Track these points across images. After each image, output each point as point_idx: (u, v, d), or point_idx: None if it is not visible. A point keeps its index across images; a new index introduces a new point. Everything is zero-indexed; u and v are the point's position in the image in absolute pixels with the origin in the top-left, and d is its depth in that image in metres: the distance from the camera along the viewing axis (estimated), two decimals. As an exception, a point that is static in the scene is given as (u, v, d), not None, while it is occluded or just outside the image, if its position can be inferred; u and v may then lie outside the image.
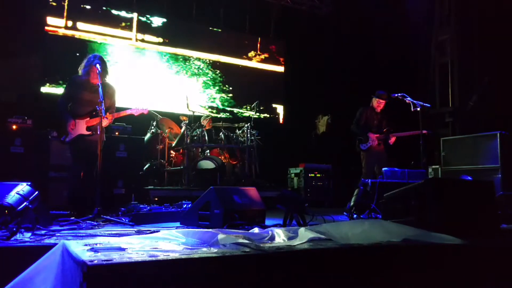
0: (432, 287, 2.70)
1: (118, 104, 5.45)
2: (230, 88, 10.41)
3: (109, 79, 5.19)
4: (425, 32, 10.14)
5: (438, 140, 7.71)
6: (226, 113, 10.26)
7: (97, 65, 4.81)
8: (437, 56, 10.09)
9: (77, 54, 8.43)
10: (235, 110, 10.42)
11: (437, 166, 7.67)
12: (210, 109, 10.00)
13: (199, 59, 10.04)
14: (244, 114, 10.38)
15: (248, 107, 10.32)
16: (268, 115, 10.79)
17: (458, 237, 2.96)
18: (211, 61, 10.19)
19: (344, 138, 9.57)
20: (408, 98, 6.53)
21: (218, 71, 10.27)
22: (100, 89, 4.65)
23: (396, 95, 6.58)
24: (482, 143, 6.90)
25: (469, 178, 5.99)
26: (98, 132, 4.68)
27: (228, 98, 10.37)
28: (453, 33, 9.76)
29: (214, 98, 10.20)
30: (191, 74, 9.92)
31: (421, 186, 3.68)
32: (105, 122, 4.82)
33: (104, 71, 4.94)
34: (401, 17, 9.62)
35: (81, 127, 4.95)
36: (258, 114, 8.49)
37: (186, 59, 9.87)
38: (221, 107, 10.26)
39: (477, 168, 6.80)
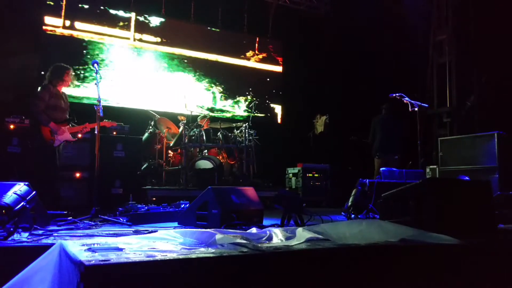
0: (430, 287, 2.71)
1: (118, 103, 5.50)
2: (228, 88, 10.41)
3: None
4: (423, 32, 10.16)
5: (436, 140, 7.72)
6: (224, 113, 10.26)
7: (95, 65, 4.95)
8: (435, 56, 10.11)
9: (75, 54, 8.47)
10: (233, 110, 10.42)
11: (435, 166, 7.68)
12: (207, 109, 10.00)
13: (197, 59, 10.03)
14: (242, 114, 10.39)
15: (246, 107, 10.34)
16: (266, 115, 10.79)
17: (455, 237, 2.96)
18: (209, 61, 10.18)
19: (342, 138, 9.61)
20: (406, 98, 6.54)
21: (216, 70, 10.27)
22: (98, 88, 4.82)
23: (394, 95, 6.59)
24: (479, 143, 6.91)
25: (467, 178, 6.00)
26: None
27: (226, 97, 10.37)
28: (450, 33, 9.78)
29: (212, 98, 10.20)
30: (188, 74, 9.92)
31: (419, 186, 3.68)
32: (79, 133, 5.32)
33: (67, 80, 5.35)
34: (399, 17, 9.64)
35: (66, 133, 5.22)
36: (256, 113, 8.49)
37: (184, 59, 9.86)
38: (218, 107, 10.26)
39: (474, 168, 6.81)
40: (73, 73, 5.46)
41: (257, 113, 8.97)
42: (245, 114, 10.32)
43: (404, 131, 7.52)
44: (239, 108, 10.49)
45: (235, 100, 10.48)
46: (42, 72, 7.96)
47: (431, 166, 7.85)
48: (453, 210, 3.51)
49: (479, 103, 9.03)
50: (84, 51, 8.62)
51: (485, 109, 8.82)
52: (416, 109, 6.46)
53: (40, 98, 5.14)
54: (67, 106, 5.42)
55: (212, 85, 10.22)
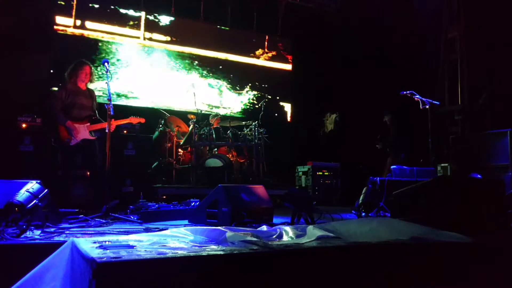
0: (441, 286, 2.69)
1: (128, 102, 5.54)
2: (237, 86, 10.42)
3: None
4: (434, 29, 10.06)
5: (448, 138, 7.66)
6: (233, 111, 10.27)
7: (106, 64, 4.95)
8: (446, 53, 10.00)
9: (86, 53, 8.52)
10: (242, 107, 10.43)
11: (446, 164, 7.62)
12: (217, 107, 10.01)
13: (206, 57, 10.04)
14: (251, 112, 10.38)
15: (255, 105, 10.33)
16: (275, 113, 10.77)
17: (467, 235, 2.94)
18: (218, 59, 10.19)
19: (352, 136, 9.56)
20: (417, 96, 6.49)
21: (226, 69, 10.28)
22: (108, 87, 4.82)
23: (404, 92, 6.54)
24: (492, 141, 6.83)
25: (479, 176, 5.94)
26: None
27: (235, 95, 10.38)
28: (462, 30, 9.67)
29: (221, 96, 10.21)
30: (198, 72, 9.94)
31: (430, 184, 3.66)
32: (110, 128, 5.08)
33: (92, 75, 5.37)
34: (409, 14, 9.55)
35: (84, 132, 5.22)
36: (265, 112, 8.49)
37: (193, 57, 9.89)
38: (227, 105, 10.27)
39: (487, 166, 6.74)
40: (92, 69, 5.44)
41: (267, 112, 8.95)
42: (254, 112, 10.30)
43: (412, 131, 7.55)
44: (248, 106, 10.49)
45: (245, 98, 10.48)
46: (52, 71, 8.10)
47: (442, 164, 7.79)
48: (464, 208, 3.48)
49: (491, 100, 8.92)
50: (95, 51, 8.68)
51: (497, 106, 8.71)
52: (427, 106, 6.41)
53: (56, 97, 5.20)
54: (91, 103, 5.39)
55: (221, 83, 10.23)
